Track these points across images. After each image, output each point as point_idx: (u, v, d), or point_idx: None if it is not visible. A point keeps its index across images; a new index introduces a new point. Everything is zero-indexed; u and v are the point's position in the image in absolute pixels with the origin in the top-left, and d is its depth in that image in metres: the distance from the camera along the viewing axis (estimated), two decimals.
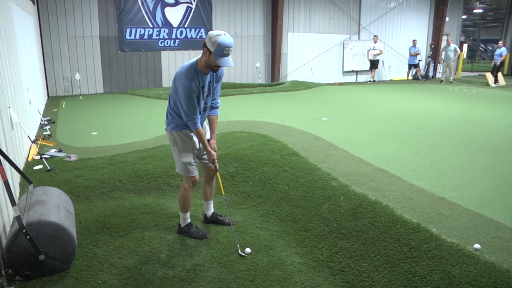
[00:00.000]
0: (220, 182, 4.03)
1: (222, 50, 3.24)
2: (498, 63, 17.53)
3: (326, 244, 3.73)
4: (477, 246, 3.35)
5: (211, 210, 4.23)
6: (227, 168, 5.41)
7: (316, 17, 15.56)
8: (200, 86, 3.43)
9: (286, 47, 15.14)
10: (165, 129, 3.76)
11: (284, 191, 4.74)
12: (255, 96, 11.72)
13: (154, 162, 5.51)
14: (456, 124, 8.70)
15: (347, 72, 16.75)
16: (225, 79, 13.68)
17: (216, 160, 3.77)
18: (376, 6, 17.05)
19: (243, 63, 14.50)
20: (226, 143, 6.26)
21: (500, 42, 18.09)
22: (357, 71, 17.05)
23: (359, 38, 16.74)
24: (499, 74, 17.66)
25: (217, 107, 3.76)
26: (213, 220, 4.21)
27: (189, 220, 3.97)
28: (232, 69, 14.49)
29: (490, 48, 40.64)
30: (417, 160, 5.78)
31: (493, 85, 17.10)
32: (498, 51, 17.28)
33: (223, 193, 4.12)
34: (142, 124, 8.47)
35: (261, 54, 14.82)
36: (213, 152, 3.74)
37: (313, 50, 15.77)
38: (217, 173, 3.91)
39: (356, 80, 17.09)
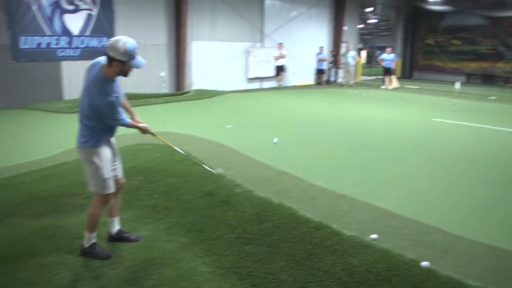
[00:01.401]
0: (161, 138, 4.03)
1: (134, 54, 3.30)
2: (394, 67, 19.12)
3: (233, 250, 3.74)
4: (374, 236, 3.59)
5: (116, 227, 4.05)
6: (131, 182, 5.23)
7: (220, 25, 15.72)
8: (118, 94, 3.45)
9: (190, 56, 15.08)
10: (78, 147, 3.54)
11: (190, 201, 4.68)
12: (160, 106, 11.52)
13: (53, 182, 5.16)
14: (355, 124, 9.26)
15: (252, 79, 17.07)
16: (128, 90, 13.24)
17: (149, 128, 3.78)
18: (278, 14, 17.63)
19: (147, 72, 14.15)
20: (130, 156, 6.06)
21: (389, 48, 19.66)
22: (262, 78, 17.44)
23: (262, 46, 17.16)
24: (393, 77, 19.15)
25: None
26: (119, 238, 4.03)
27: (93, 240, 3.77)
28: (136, 79, 14.03)
29: (382, 53, 43.87)
30: (320, 161, 6.04)
31: (389, 87, 18.51)
32: (389, 56, 18.72)
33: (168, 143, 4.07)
34: (40, 141, 7.92)
35: (165, 63, 14.60)
36: (144, 124, 3.76)
37: (218, 58, 15.88)
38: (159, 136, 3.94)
39: (261, 86, 17.47)
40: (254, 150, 6.55)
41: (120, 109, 3.55)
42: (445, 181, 5.35)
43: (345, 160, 6.18)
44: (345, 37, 21.00)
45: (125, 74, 3.43)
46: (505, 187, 5.20)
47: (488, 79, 22.83)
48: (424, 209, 4.36)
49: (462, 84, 21.32)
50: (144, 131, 3.79)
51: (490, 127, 9.54)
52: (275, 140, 7.09)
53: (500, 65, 22.42)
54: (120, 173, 3.80)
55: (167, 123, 8.92)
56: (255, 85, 17.29)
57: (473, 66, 23.96)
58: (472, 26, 23.70)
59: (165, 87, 14.70)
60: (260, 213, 4.08)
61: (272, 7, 17.37)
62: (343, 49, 20.28)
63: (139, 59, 3.39)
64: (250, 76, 16.95)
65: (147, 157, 5.95)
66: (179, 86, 14.88)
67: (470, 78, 24.34)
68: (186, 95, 13.63)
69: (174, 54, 14.75)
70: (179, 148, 4.42)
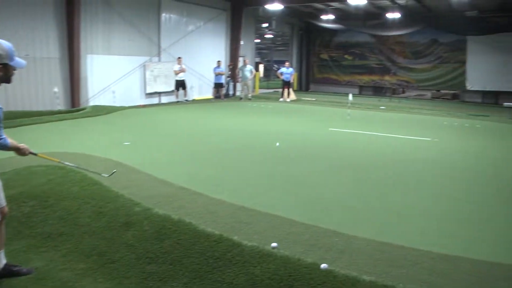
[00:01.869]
0: (44, 156, 3.84)
1: (13, 54, 3.16)
2: (292, 81, 20.06)
3: (135, 271, 3.68)
4: (274, 244, 3.77)
5: (2, 261, 3.71)
6: (22, 209, 4.89)
7: (115, 38, 15.26)
8: (1, 106, 3.29)
9: (85, 70, 14.40)
10: None
11: (87, 224, 4.51)
12: (53, 124, 10.88)
13: None
14: (254, 136, 9.57)
15: (150, 94, 16.82)
16: (18, 107, 12.33)
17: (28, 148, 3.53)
18: (175, 28, 17.60)
19: (38, 88, 13.23)
20: (20, 180, 5.67)
21: (287, 63, 20.64)
22: (160, 93, 17.26)
23: (160, 60, 17.02)
24: (291, 90, 20.07)
25: None
26: (7, 273, 3.69)
27: (4, 261, 3.48)
28: (25, 95, 13.07)
29: (280, 67, 45.77)
30: (220, 175, 6.16)
31: (287, 99, 19.34)
32: (288, 70, 19.58)
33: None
34: None
35: (58, 77, 13.74)
36: (23, 145, 3.50)
37: (115, 73, 15.40)
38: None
39: (160, 101, 17.28)
40: (153, 167, 6.49)
41: (1, 126, 3.32)
42: (341, 187, 5.75)
43: (245, 172, 6.37)
44: (242, 51, 21.60)
45: (9, 78, 3.24)
46: (392, 187, 5.73)
47: (378, 91, 24.95)
48: (322, 214, 4.66)
49: (355, 95, 22.99)
50: (23, 152, 3.53)
51: (381, 134, 10.43)
52: (277, 144, 8.42)
53: (387, 78, 24.72)
54: (2, 201, 3.50)
55: (61, 142, 8.46)
56: (154, 100, 17.05)
57: (364, 79, 26.06)
58: (362, 43, 25.80)
59: (59, 104, 13.84)
60: (160, 231, 4.07)
61: (169, 21, 17.35)
62: (240, 63, 20.82)
63: (19, 58, 3.25)
64: (148, 91, 16.68)
65: (39, 180, 5.62)
66: (74, 103, 14.09)
67: (363, 90, 26.34)
68: (82, 112, 13.01)
69: (68, 68, 13.95)
70: (69, 163, 4.27)
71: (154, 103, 16.76)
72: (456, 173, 6.83)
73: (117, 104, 15.17)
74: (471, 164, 7.53)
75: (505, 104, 15.70)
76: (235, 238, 3.86)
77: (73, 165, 4.46)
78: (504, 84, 20.82)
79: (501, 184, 6.20)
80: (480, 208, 5.07)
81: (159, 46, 16.97)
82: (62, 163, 4.25)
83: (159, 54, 17.04)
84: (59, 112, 12.96)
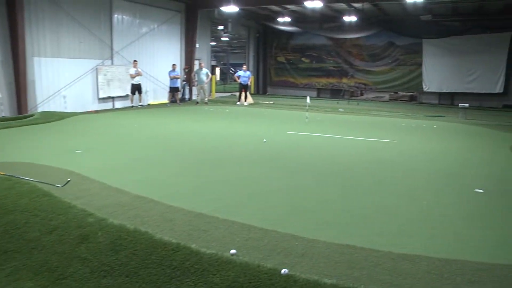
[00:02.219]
0: None
1: None
2: (249, 84, 20.18)
3: (89, 286, 3.58)
4: (233, 251, 3.77)
5: None
6: None
7: (65, 40, 14.79)
8: None
9: (33, 74, 13.88)
10: None
11: (36, 238, 4.35)
12: None
13: None
14: (212, 141, 9.56)
15: (104, 99, 16.46)
16: None
17: None
18: (128, 30, 17.29)
19: None
20: None
21: (244, 66, 20.73)
22: (114, 98, 16.92)
23: (112, 63, 16.69)
24: (248, 94, 20.17)
25: None
26: None
27: None
28: None
29: (238, 70, 45.97)
30: (178, 181, 6.11)
31: (245, 103, 19.42)
32: (245, 74, 19.66)
33: None
34: None
35: (1, 82, 13.18)
36: None
37: (65, 77, 14.93)
38: None
39: (114, 106, 16.94)
40: (108, 175, 6.35)
41: None
42: (300, 190, 5.82)
43: (203, 177, 6.35)
44: (197, 54, 21.52)
45: None
46: (352, 189, 5.86)
47: (336, 93, 25.45)
48: (281, 219, 4.70)
49: (313, 98, 23.39)
50: None
51: (340, 136, 10.64)
52: (264, 140, 9.21)
53: (345, 80, 25.24)
54: None
55: (8, 152, 8.13)
56: (107, 105, 16.70)
57: (322, 81, 26.48)
58: (319, 46, 26.24)
59: (3, 110, 13.31)
60: (116, 242, 3.99)
61: (121, 23, 17.04)
62: (196, 67, 20.75)
63: None
64: (101, 96, 16.32)
65: None
66: (21, 109, 13.55)
67: (320, 93, 26.79)
68: (30, 118, 12.53)
69: (13, 72, 13.40)
70: (16, 174, 4.11)
71: (108, 109, 16.40)
72: (414, 173, 7.07)
73: (69, 110, 14.76)
74: (428, 163, 7.80)
75: (460, 104, 16.41)
76: (193, 246, 3.84)
77: (22, 177, 4.30)
78: (459, 85, 21.77)
79: (457, 183, 6.46)
80: (437, 206, 5.27)
81: (111, 49, 16.64)
82: (7, 175, 4.07)
83: (111, 57, 16.70)
84: (4, 119, 12.46)
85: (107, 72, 16.39)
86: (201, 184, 5.97)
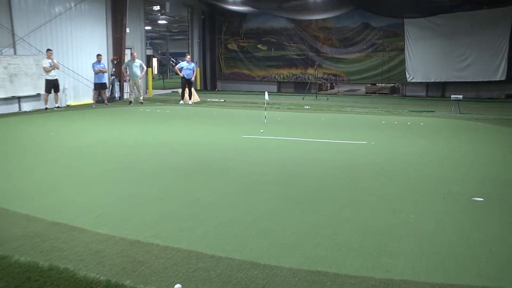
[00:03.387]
0: None
1: None
2: (194, 79, 20.13)
3: None
4: (178, 286, 3.71)
5: None
6: None
7: None
8: None
9: None
10: None
11: None
12: None
13: None
14: (148, 150, 9.45)
15: (6, 99, 15.88)
16: None
17: None
18: (34, 10, 16.68)
19: None
20: None
21: (188, 56, 20.65)
22: (20, 98, 16.38)
23: (15, 53, 16.15)
24: (193, 90, 20.10)
25: None
26: None
27: None
28: None
29: (180, 61, 45.80)
30: (104, 202, 5.98)
31: (189, 102, 19.35)
32: (189, 65, 19.56)
33: None
34: None
35: None
36: None
37: None
38: None
39: (20, 109, 16.41)
40: (13, 198, 6.13)
41: None
42: (259, 206, 5.80)
43: (137, 196, 6.24)
44: (129, 41, 21.25)
45: None
46: (321, 202, 5.90)
47: (301, 87, 25.68)
48: (237, 243, 4.66)
49: (273, 94, 23.56)
50: None
51: (306, 139, 10.74)
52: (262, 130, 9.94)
53: (311, 71, 25.43)
54: None
55: None
56: (11, 107, 16.14)
57: (283, 73, 26.72)
58: (278, 30, 26.45)
59: None
60: (23, 285, 3.83)
61: (24, 1, 16.49)
62: (127, 57, 20.49)
63: None
64: (3, 96, 15.76)
65: None
66: None
67: (282, 87, 27.07)
68: None
69: None
70: None
71: (12, 112, 15.88)
72: (398, 180, 7.19)
73: None
74: (415, 168, 7.97)
75: (453, 96, 16.66)
76: (128, 283, 3.76)
77: None
78: (450, 73, 22.26)
79: (450, 190, 6.61)
80: (427, 220, 5.35)
81: (13, 35, 16.10)
82: None
83: (13, 45, 16.17)
84: None
85: (9, 64, 15.81)
86: (135, 204, 5.87)
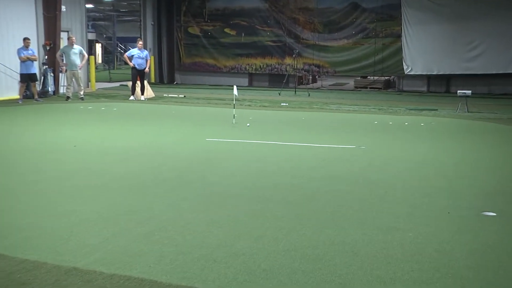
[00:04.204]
0: None
1: None
2: (148, 69, 20.01)
3: None
4: None
5: None
6: None
7: None
8: None
9: None
10: None
11: None
12: None
13: None
14: (91, 157, 9.37)
15: None
16: None
17: None
18: None
19: None
20: None
21: (140, 42, 20.40)
22: None
23: None
24: (147, 84, 19.96)
25: None
26: None
27: None
28: None
29: (130, 48, 45.49)
30: (33, 221, 5.89)
31: (142, 97, 19.22)
32: (141, 53, 19.42)
33: None
34: None
35: None
36: None
37: None
38: None
39: None
40: None
41: None
42: (226, 225, 5.77)
43: (76, 213, 6.17)
44: (65, 23, 21.00)
45: None
46: (298, 220, 5.91)
47: (277, 80, 25.82)
48: (199, 268, 4.62)
49: (243, 88, 23.52)
50: None
51: (282, 143, 10.80)
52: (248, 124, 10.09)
53: (289, 61, 25.50)
54: None
55: None
56: None
57: (256, 63, 26.80)
58: (249, 10, 26.53)
59: None
60: None
61: None
62: (64, 42, 20.26)
63: None
64: None
65: None
66: None
67: (254, 80, 27.17)
68: None
69: None
70: None
71: None
72: (392, 192, 7.24)
73: None
74: (413, 178, 8.05)
75: (459, 92, 16.79)
76: None
77: None
78: (457, 64, 22.49)
79: (456, 204, 6.67)
80: (429, 241, 5.38)
81: None
82: None
83: None
84: None
85: None
86: (73, 223, 5.79)
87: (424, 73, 23.29)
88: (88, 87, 22.81)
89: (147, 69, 20.01)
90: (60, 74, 20.37)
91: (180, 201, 6.77)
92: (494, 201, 6.83)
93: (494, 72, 21.74)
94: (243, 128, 12.68)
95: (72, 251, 4.99)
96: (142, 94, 19.52)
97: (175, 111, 16.15)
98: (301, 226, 5.87)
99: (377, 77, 25.33)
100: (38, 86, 19.11)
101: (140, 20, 28.02)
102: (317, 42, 25.39)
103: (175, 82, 28.00)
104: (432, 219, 6.10)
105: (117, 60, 45.88)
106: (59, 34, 20.42)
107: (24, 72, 18.07)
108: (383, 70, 24.43)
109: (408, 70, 23.34)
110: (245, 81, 26.85)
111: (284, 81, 23.89)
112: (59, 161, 9.13)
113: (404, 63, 23.34)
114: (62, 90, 20.53)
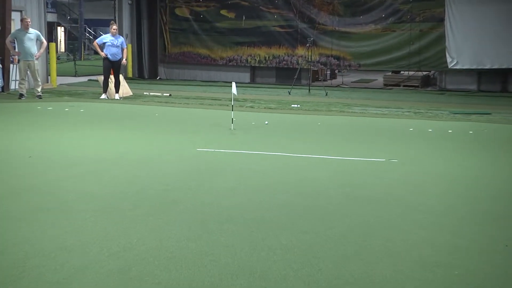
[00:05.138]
0: None
1: None
2: (125, 60, 20.00)
3: None
4: None
5: None
6: None
7: None
8: None
9: None
10: None
11: None
12: None
13: None
14: (51, 170, 9.42)
15: None
16: None
17: None
18: None
19: None
20: None
21: (114, 26, 20.28)
22: None
23: None
24: (122, 79, 19.95)
25: None
26: None
27: None
28: None
29: (102, 34, 45.42)
30: None
31: (116, 96, 19.18)
32: (117, 40, 19.40)
33: None
34: None
35: None
36: None
37: None
38: None
39: None
40: None
41: None
42: (215, 259, 5.74)
43: (31, 241, 6.14)
44: (17, 0, 21.03)
45: None
46: (314, 253, 5.90)
47: (286, 76, 25.75)
48: None
49: (244, 85, 23.50)
50: None
51: (293, 155, 10.82)
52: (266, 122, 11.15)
53: (301, 51, 25.44)
54: None
55: None
56: None
57: (260, 54, 26.78)
58: None
59: None
60: None
61: None
62: (15, 26, 20.28)
63: None
64: None
65: None
66: None
67: (257, 75, 27.15)
68: None
69: None
70: None
71: None
72: (431, 219, 7.21)
73: None
74: (459, 200, 8.03)
75: None
76: None
77: None
78: None
79: (510, 233, 6.65)
80: (481, 277, 5.36)
81: None
82: None
83: None
84: None
85: None
86: (25, 256, 5.77)
87: (474, 67, 23.09)
88: (47, 82, 22.80)
89: (124, 61, 20.03)
90: (12, 65, 20.37)
91: (164, 227, 6.75)
92: None
93: None
94: (244, 134, 12.67)
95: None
96: (117, 92, 19.48)
97: (159, 114, 16.12)
98: (317, 259, 5.85)
99: (413, 73, 25.27)
100: None
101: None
102: (337, 28, 25.31)
103: (158, 77, 28.00)
104: (484, 253, 6.08)
105: (84, 49, 45.93)
106: (9, 15, 20.42)
107: None
108: (421, 64, 24.28)
109: (453, 64, 23.13)
110: (246, 76, 26.85)
111: (295, 76, 23.81)
112: (8, 175, 9.14)
113: (447, 55, 23.13)
114: (13, 85, 20.53)
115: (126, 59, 20.73)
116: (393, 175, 9.51)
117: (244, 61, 26.92)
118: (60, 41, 44.64)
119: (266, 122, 13.22)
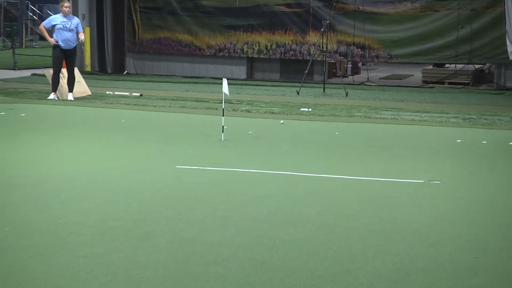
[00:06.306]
0: None
1: None
2: (83, 38, 20.06)
3: None
4: None
5: None
6: None
7: None
8: None
9: None
10: None
11: None
12: None
13: None
14: None
15: None
16: None
17: None
18: None
19: None
20: None
21: (66, 3, 20.20)
22: None
23: None
24: (78, 73, 20.02)
25: None
26: None
27: None
28: None
29: (51, 14, 45.74)
30: None
31: (69, 96, 19.22)
32: (70, 22, 19.44)
33: None
34: None
35: None
36: None
37: None
38: None
39: None
40: None
41: None
42: None
43: None
44: None
45: None
46: None
47: (294, 69, 25.83)
48: None
49: (239, 82, 23.56)
50: None
51: (303, 174, 10.84)
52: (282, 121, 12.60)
53: (313, 38, 25.46)
54: None
55: None
56: None
57: (260, 41, 26.84)
58: None
59: None
60: None
61: None
62: None
63: None
64: None
65: None
66: None
67: (256, 68, 27.18)
68: None
69: None
70: None
71: None
72: (484, 261, 7.18)
73: None
74: None
75: None
76: None
77: None
78: None
79: None
80: None
81: None
82: None
83: None
84: None
85: None
86: None
87: None
88: None
89: (81, 38, 19.94)
90: None
91: (133, 269, 6.74)
92: None
93: None
94: (238, 148, 12.70)
95: None
96: (70, 90, 19.53)
97: (126, 120, 16.18)
98: None
99: (462, 66, 25.32)
100: None
101: None
102: (361, 8, 25.32)
103: (125, 72, 28.10)
104: None
105: (27, 33, 46.07)
106: None
107: None
108: (472, 54, 24.28)
109: None
110: (242, 70, 26.91)
111: (306, 71, 23.87)
112: None
113: (508, 42, 22.96)
114: None
115: (82, 46, 20.70)
116: (435, 200, 9.49)
117: (239, 50, 26.95)
118: None
119: (282, 122, 13.75)
